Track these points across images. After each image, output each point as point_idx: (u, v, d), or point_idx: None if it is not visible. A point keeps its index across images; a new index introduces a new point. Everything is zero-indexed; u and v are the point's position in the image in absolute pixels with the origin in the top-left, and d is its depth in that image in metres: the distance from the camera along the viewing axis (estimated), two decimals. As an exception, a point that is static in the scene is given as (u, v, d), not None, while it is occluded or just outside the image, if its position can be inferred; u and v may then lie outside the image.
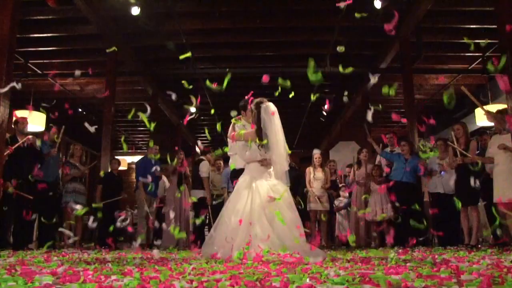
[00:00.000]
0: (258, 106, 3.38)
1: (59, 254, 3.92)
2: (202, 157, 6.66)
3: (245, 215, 3.08)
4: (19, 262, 2.71)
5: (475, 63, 7.98)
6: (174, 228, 4.28)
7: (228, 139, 3.66)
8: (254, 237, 2.91)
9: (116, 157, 7.51)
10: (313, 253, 3.02)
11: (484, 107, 7.62)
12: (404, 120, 6.13)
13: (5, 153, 4.66)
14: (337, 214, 6.87)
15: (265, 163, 3.37)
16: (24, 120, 5.29)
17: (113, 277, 1.78)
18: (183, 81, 3.74)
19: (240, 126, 3.59)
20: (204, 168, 6.38)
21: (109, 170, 6.49)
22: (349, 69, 3.68)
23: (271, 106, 3.39)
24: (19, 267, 2.27)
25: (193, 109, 9.63)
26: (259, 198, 3.16)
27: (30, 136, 5.16)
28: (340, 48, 5.63)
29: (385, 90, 3.31)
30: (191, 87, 3.58)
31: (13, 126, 5.31)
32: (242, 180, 3.38)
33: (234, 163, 3.90)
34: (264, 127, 3.30)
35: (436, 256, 3.07)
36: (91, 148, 12.61)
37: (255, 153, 3.35)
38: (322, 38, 7.44)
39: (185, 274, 1.90)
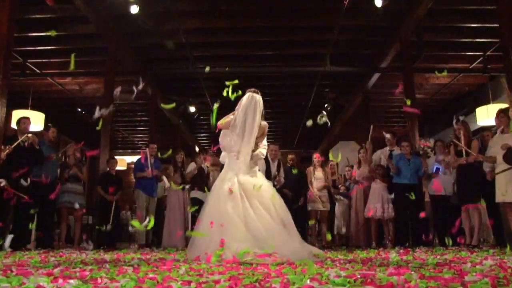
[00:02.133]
0: (245, 92, 3.35)
1: (56, 254, 3.88)
2: (197, 158, 6.70)
3: (214, 215, 2.99)
4: (16, 263, 2.68)
5: (476, 62, 7.96)
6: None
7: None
8: (229, 239, 2.80)
9: (116, 157, 7.48)
10: (297, 252, 2.91)
11: (485, 107, 7.66)
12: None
13: (4, 152, 4.63)
14: (335, 214, 6.83)
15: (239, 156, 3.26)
16: (26, 120, 5.26)
17: (109, 278, 1.76)
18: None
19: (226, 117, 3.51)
20: (189, 168, 6.49)
21: (107, 170, 6.45)
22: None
23: (257, 98, 3.32)
24: (15, 268, 2.24)
25: (192, 109, 9.62)
26: (222, 194, 3.07)
27: (30, 135, 5.12)
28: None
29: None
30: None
31: (16, 125, 5.27)
32: (218, 177, 3.33)
33: (222, 158, 3.78)
34: (239, 110, 3.25)
35: (438, 257, 3.04)
36: (91, 148, 12.59)
37: (230, 141, 3.28)
38: (322, 37, 7.41)
39: (183, 275, 1.87)
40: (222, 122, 3.35)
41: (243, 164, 3.22)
